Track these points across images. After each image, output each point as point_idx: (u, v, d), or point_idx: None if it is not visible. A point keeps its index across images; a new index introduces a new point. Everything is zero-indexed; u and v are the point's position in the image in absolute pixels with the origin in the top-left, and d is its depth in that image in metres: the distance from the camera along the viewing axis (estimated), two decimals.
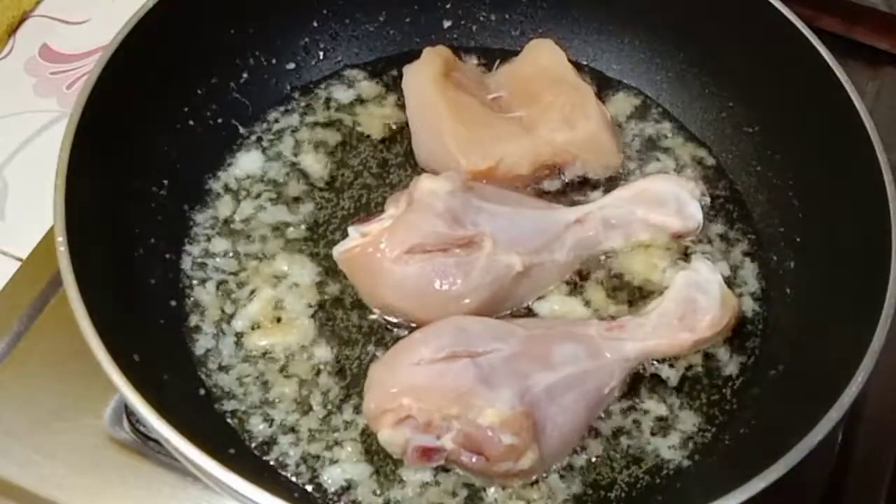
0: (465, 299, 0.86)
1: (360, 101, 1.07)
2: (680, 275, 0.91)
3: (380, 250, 0.85)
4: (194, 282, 0.92)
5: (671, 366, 0.89)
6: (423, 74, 1.00)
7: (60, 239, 0.76)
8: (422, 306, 0.86)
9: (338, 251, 0.89)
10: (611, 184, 1.01)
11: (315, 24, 1.07)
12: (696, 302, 0.88)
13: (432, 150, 0.98)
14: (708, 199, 1.00)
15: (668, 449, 0.85)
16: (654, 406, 0.86)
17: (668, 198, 0.95)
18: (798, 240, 0.96)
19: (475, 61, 1.11)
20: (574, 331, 0.86)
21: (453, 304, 0.86)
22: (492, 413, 0.76)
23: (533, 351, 0.82)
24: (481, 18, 1.13)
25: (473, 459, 0.77)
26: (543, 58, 1.05)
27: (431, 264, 0.85)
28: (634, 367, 0.87)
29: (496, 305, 0.89)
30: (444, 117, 0.97)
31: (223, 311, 0.90)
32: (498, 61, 1.11)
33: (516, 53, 1.09)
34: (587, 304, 0.93)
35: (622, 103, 1.09)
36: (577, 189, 1.01)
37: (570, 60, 1.05)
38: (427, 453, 0.78)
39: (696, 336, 0.87)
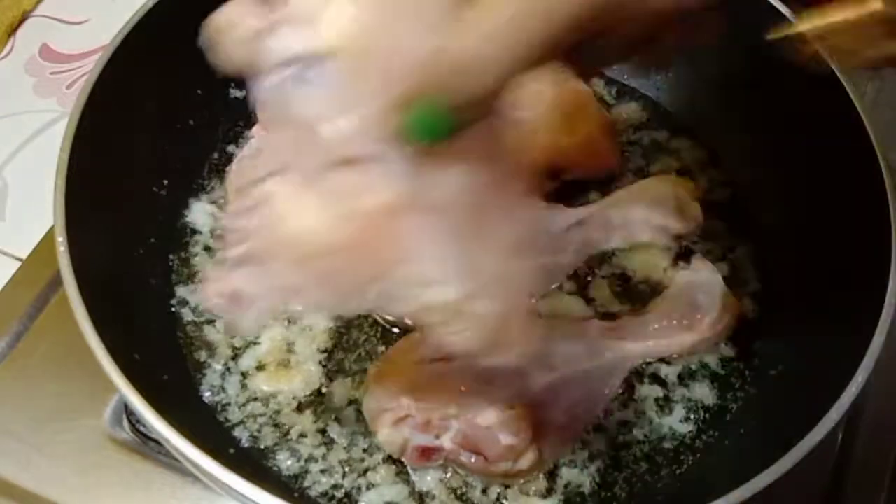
0: None
1: None
2: (680, 275, 0.91)
3: None
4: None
5: (668, 364, 0.89)
6: None
7: (60, 239, 0.76)
8: None
9: None
10: (609, 185, 1.01)
11: None
12: (697, 302, 0.88)
13: None
14: (706, 199, 1.00)
15: (666, 448, 0.85)
16: (650, 405, 0.87)
17: (668, 198, 0.96)
18: (798, 240, 0.96)
19: None
20: (574, 332, 0.86)
21: None
22: (490, 413, 0.76)
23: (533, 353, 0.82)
24: None
25: (472, 459, 0.77)
26: None
27: None
28: (634, 367, 0.87)
29: None
30: None
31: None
32: None
33: None
34: (589, 303, 0.93)
35: (621, 105, 1.09)
36: (575, 189, 1.01)
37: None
38: (426, 453, 0.78)
39: (697, 336, 0.87)
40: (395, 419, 0.77)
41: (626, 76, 1.10)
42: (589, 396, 0.83)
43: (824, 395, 0.75)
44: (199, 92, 0.99)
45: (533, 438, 0.78)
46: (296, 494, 0.79)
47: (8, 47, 1.23)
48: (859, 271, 0.84)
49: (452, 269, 0.53)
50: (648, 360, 0.88)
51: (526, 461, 0.78)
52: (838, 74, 0.90)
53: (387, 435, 0.78)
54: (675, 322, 0.88)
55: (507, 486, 0.81)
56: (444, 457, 0.79)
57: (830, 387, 0.75)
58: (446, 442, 0.77)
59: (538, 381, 0.80)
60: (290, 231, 0.51)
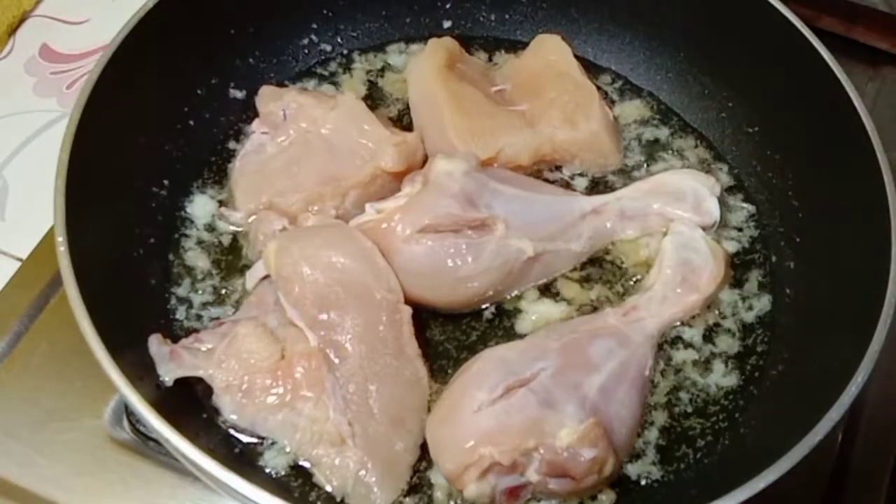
0: (474, 281, 0.86)
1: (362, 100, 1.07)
2: (666, 241, 0.93)
3: (392, 229, 0.85)
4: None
5: (662, 376, 0.89)
6: (427, 65, 1.00)
7: (60, 239, 0.76)
8: (429, 286, 0.86)
9: (352, 225, 0.89)
10: (612, 179, 1.01)
11: (315, 24, 1.07)
12: (691, 262, 0.91)
13: (434, 140, 0.98)
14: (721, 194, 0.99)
15: None
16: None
17: (687, 193, 0.96)
18: (798, 240, 0.96)
19: (482, 56, 1.12)
20: (598, 326, 0.87)
21: (461, 285, 0.86)
22: (566, 433, 0.75)
23: (573, 359, 0.82)
24: (481, 19, 1.13)
25: (561, 483, 0.76)
26: (550, 52, 1.05)
27: (441, 244, 0.85)
28: (660, 340, 0.89)
29: (504, 288, 0.90)
30: (446, 107, 0.97)
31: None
32: (503, 53, 1.12)
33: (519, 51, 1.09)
34: (593, 296, 0.93)
35: (625, 101, 1.09)
36: (578, 179, 1.01)
37: (575, 56, 1.05)
38: (515, 492, 0.77)
39: (703, 294, 0.90)
40: (480, 472, 0.75)
41: (626, 75, 1.10)
42: (637, 383, 0.83)
43: (824, 395, 0.75)
44: (199, 92, 0.99)
45: (610, 444, 0.77)
46: (296, 494, 0.80)
47: (8, 47, 1.23)
48: (859, 271, 0.85)
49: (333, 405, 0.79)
50: (668, 329, 0.90)
51: (609, 467, 0.77)
52: (838, 74, 0.90)
53: (475, 489, 0.76)
54: (678, 289, 0.90)
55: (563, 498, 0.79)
56: (531, 491, 0.78)
57: (830, 387, 0.75)
58: (532, 476, 0.76)
59: (591, 385, 0.80)
60: (243, 351, 0.81)
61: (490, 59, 1.12)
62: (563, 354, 0.82)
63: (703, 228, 0.95)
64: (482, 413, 0.77)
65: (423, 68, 1.01)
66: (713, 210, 0.95)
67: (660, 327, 0.88)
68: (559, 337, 0.85)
